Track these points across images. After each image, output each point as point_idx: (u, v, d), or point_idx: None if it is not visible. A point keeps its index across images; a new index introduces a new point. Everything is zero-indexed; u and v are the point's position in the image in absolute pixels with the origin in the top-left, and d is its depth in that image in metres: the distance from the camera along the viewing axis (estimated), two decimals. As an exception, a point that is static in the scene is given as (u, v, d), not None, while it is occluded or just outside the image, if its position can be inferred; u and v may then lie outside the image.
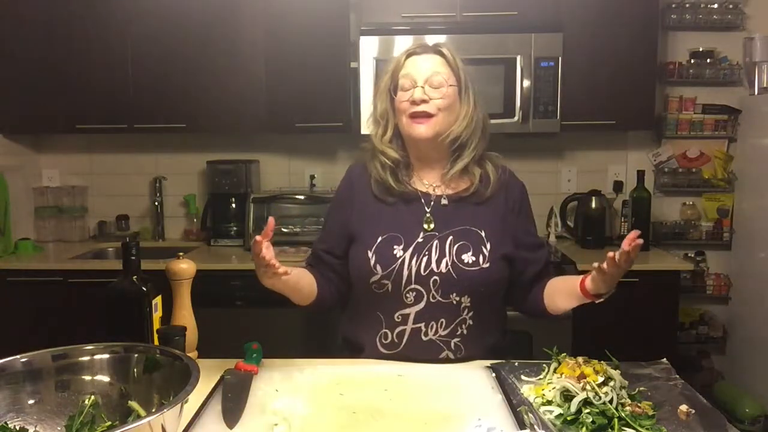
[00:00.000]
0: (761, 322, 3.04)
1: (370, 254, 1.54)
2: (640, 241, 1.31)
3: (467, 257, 1.53)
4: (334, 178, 3.17)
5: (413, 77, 1.54)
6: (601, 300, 1.45)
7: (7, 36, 3.08)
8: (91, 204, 3.48)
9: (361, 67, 2.94)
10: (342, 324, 1.71)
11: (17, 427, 1.09)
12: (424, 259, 1.53)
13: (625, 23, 2.96)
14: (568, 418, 1.17)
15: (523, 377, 1.37)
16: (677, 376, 1.38)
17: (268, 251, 1.35)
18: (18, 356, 1.17)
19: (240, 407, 1.25)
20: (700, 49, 3.26)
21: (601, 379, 1.21)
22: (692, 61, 3.27)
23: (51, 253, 3.20)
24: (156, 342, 1.44)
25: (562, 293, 1.56)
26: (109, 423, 1.13)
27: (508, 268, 1.59)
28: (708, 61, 3.26)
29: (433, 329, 1.54)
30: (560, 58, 2.91)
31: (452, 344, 1.55)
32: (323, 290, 1.63)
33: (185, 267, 1.55)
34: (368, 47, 2.91)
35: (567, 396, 1.21)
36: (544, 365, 1.36)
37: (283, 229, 3.13)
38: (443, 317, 1.54)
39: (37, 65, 3.07)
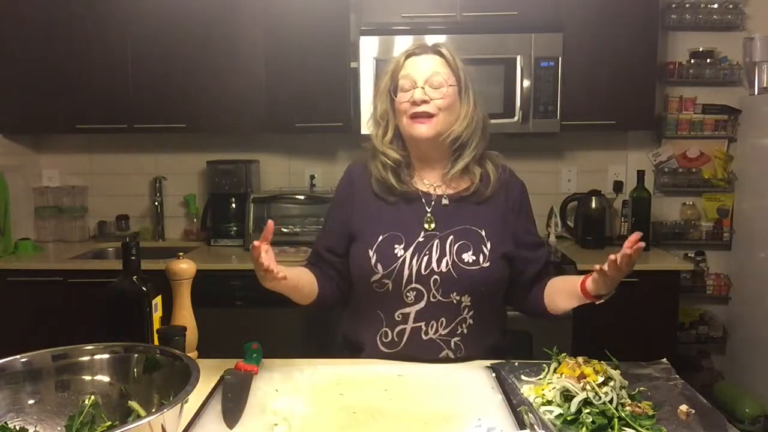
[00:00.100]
0: (761, 322, 3.04)
1: (371, 253, 1.54)
2: (642, 244, 1.31)
3: (467, 256, 1.53)
4: (334, 178, 3.16)
5: (413, 78, 1.54)
6: (602, 301, 1.45)
7: (7, 36, 3.08)
8: (91, 204, 3.48)
9: (361, 67, 2.93)
10: (342, 323, 1.72)
11: (17, 427, 1.09)
12: (425, 259, 1.53)
13: (625, 23, 2.96)
14: (568, 418, 1.17)
15: (523, 377, 1.37)
16: (677, 376, 1.38)
17: (266, 256, 1.35)
18: (18, 356, 1.17)
19: (240, 407, 1.25)
20: (700, 49, 3.26)
21: (601, 379, 1.21)
22: (692, 61, 3.27)
23: (51, 253, 3.20)
24: (156, 342, 1.44)
25: (563, 293, 1.56)
26: (109, 423, 1.13)
27: (508, 267, 1.59)
28: (708, 61, 3.26)
29: (434, 328, 1.54)
30: (560, 58, 2.91)
31: (452, 343, 1.55)
32: (324, 288, 1.63)
33: (185, 267, 1.55)
34: (368, 47, 2.91)
35: (567, 396, 1.21)
36: (544, 365, 1.36)
37: (283, 229, 3.13)
38: (443, 316, 1.54)
39: (37, 65, 3.07)
